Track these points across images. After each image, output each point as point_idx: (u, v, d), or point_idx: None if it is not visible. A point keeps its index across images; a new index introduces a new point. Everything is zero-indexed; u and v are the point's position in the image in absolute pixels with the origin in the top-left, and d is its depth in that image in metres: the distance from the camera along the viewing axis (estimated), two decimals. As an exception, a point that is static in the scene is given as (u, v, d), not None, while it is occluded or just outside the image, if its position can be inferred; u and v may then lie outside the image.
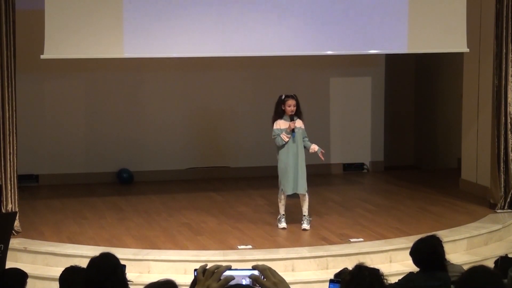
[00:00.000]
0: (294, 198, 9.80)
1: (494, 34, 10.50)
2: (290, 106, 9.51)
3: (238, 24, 10.14)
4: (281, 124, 9.55)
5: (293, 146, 9.56)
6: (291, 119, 9.50)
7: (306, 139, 9.72)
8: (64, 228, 9.80)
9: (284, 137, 9.50)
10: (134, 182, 12.45)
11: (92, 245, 9.00)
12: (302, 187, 9.59)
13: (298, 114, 9.60)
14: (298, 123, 9.58)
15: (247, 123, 12.96)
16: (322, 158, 9.75)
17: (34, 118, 12.14)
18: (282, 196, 9.68)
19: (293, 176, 9.56)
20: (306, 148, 9.69)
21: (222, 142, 12.89)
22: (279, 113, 9.61)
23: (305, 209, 9.70)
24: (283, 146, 9.56)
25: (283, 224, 9.72)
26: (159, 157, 12.69)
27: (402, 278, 6.20)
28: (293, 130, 9.50)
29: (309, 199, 9.71)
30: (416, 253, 6.21)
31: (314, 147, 9.68)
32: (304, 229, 9.63)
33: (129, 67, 12.32)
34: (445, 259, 6.50)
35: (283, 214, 9.74)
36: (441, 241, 6.53)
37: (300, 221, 9.80)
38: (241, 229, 9.76)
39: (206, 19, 10.04)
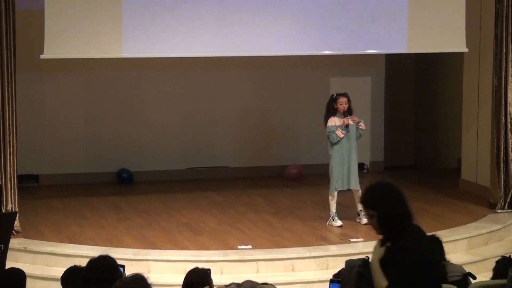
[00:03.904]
0: (344, 194, 9.82)
1: (494, 34, 10.50)
2: (342, 103, 9.68)
3: (238, 24, 10.14)
4: (336, 121, 9.70)
5: (346, 143, 9.71)
6: (345, 115, 9.65)
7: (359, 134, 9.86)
8: (64, 228, 9.80)
9: (339, 133, 9.64)
10: (134, 182, 12.46)
11: (92, 245, 9.00)
12: (355, 183, 9.77)
13: (349, 111, 9.73)
14: (351, 120, 9.74)
15: (246, 123, 12.96)
16: (363, 127, 9.83)
17: (34, 118, 12.14)
18: (335, 194, 9.71)
19: (347, 173, 9.71)
20: (358, 130, 9.78)
21: (221, 142, 12.89)
22: (331, 111, 9.74)
23: (360, 205, 9.79)
24: (337, 143, 9.67)
25: (339, 222, 9.72)
26: (159, 157, 12.69)
27: None
28: (347, 126, 9.62)
29: (312, 198, 9.84)
30: None
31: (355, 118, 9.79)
32: (366, 223, 9.60)
33: (129, 67, 12.32)
34: (445, 259, 6.50)
35: (335, 212, 9.75)
36: (440, 241, 6.53)
37: (302, 219, 9.91)
38: (241, 229, 9.76)
39: (205, 19, 10.04)
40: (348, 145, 9.71)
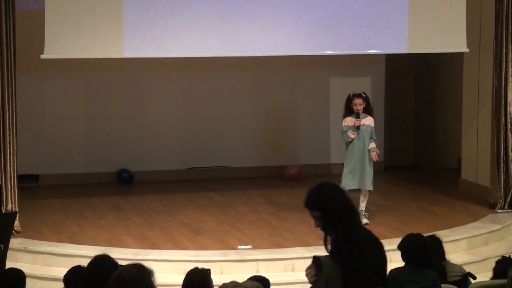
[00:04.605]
0: (355, 193, 9.79)
1: (494, 34, 10.51)
2: (356, 105, 9.76)
3: (238, 24, 10.15)
4: (349, 122, 9.80)
5: (358, 143, 9.76)
6: (357, 116, 9.69)
7: (373, 139, 9.84)
8: (64, 228, 9.80)
9: (350, 134, 9.71)
10: (134, 182, 12.46)
11: (92, 245, 9.00)
12: (369, 184, 9.77)
13: (368, 112, 9.79)
14: (367, 121, 9.77)
15: (246, 123, 12.96)
16: (375, 159, 9.80)
17: (34, 118, 12.14)
18: None
19: (359, 172, 9.72)
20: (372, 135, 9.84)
21: (222, 142, 12.89)
22: (348, 111, 9.83)
23: (363, 206, 9.79)
24: (350, 143, 9.75)
25: None
26: (159, 157, 12.69)
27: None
28: (358, 127, 9.68)
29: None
30: (403, 247, 6.17)
31: (371, 145, 9.81)
32: (366, 224, 9.57)
33: (129, 67, 12.32)
34: (445, 259, 6.50)
35: None
36: (440, 241, 6.53)
37: (302, 219, 9.83)
38: (241, 229, 9.76)
39: (205, 19, 10.04)
40: (361, 145, 9.74)
